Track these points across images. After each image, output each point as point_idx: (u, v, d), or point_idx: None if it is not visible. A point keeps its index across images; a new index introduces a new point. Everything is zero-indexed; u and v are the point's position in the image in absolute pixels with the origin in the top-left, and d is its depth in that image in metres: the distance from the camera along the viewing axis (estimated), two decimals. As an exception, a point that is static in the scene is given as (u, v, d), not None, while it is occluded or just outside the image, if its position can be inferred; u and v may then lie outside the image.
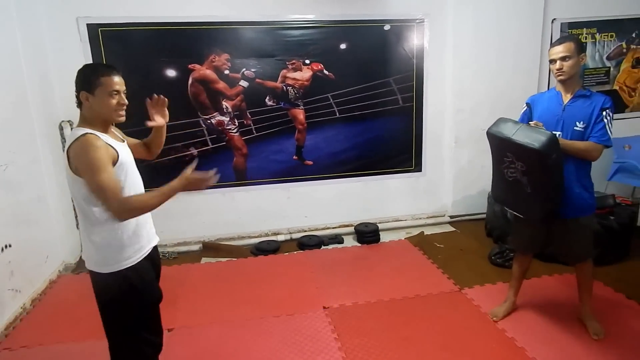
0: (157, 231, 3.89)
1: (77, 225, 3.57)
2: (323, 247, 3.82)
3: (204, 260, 3.59)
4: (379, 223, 4.05)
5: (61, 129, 3.40)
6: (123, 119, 1.66)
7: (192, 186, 1.62)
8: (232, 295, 2.97)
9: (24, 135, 3.01)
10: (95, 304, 2.81)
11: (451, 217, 4.29)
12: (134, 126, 2.11)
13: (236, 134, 3.80)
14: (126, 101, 1.66)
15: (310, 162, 3.98)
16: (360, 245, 3.84)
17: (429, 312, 2.70)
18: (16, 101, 2.95)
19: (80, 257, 3.56)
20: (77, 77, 1.61)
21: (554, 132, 2.15)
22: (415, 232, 4.05)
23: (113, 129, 1.75)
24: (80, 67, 1.64)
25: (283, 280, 3.18)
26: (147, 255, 1.76)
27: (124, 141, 1.79)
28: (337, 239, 3.93)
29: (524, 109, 2.47)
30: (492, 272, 3.19)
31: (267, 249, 3.73)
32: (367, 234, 3.87)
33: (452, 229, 4.13)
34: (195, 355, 2.35)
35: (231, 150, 3.82)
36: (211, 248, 3.75)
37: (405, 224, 4.21)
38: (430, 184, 4.27)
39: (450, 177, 4.23)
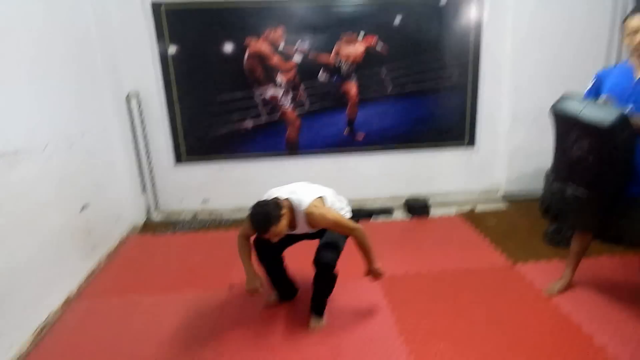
0: (215, 197, 4.10)
1: (143, 190, 3.85)
2: (372, 218, 3.88)
3: (258, 227, 3.75)
4: (430, 197, 4.05)
5: (128, 101, 3.62)
6: None
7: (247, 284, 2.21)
8: (286, 256, 3.09)
9: (97, 106, 3.24)
10: (163, 263, 3.06)
11: (504, 195, 4.20)
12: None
13: (289, 107, 3.88)
14: None
15: (361, 136, 4.01)
16: (409, 218, 3.87)
17: (479, 285, 2.71)
18: (90, 75, 3.17)
19: (146, 220, 3.86)
20: None
21: (624, 109, 2.06)
22: (467, 207, 4.01)
23: None
24: None
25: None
26: None
27: None
28: (387, 211, 3.97)
29: (592, 83, 2.36)
30: (547, 250, 3.14)
31: (317, 219, 3.83)
32: (417, 207, 3.88)
33: (505, 207, 4.06)
34: (254, 307, 2.50)
35: (284, 123, 3.92)
36: (265, 216, 3.91)
37: (456, 200, 4.18)
38: (484, 160, 4.19)
39: (505, 154, 4.13)
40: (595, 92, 2.31)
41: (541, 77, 3.86)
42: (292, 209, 2.11)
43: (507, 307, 2.47)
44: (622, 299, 2.49)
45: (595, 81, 2.34)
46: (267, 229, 1.96)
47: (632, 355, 2.06)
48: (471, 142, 4.13)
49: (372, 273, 2.32)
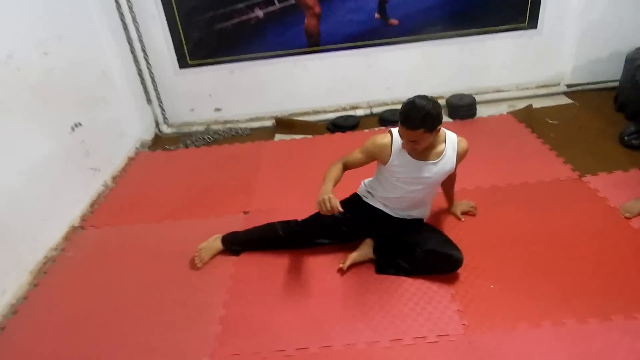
0: (228, 106, 3.66)
1: (148, 101, 3.43)
2: (408, 123, 3.36)
3: (277, 137, 3.34)
4: (476, 95, 3.43)
5: (114, -8, 3.03)
6: None
7: (318, 197, 1.65)
8: (309, 177, 2.71)
9: (74, 2, 2.68)
10: (174, 183, 2.79)
11: (568, 86, 3.50)
12: None
13: (307, -12, 3.17)
14: None
15: (395, 22, 3.30)
16: (452, 120, 3.31)
17: (540, 203, 2.26)
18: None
19: (156, 134, 3.51)
20: None
21: None
22: (521, 105, 3.38)
23: None
24: None
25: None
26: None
27: None
28: (425, 114, 3.41)
29: None
30: (623, 157, 2.58)
31: (344, 125, 3.37)
32: (462, 107, 3.30)
33: (569, 101, 3.39)
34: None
35: (301, 9, 3.24)
36: (284, 124, 3.47)
37: (509, 95, 3.53)
38: (547, 44, 3.42)
39: (575, 35, 3.33)
40: None
41: None
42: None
43: (574, 231, 2.04)
44: None
45: None
46: (417, 124, 1.54)
47: None
48: (533, 22, 3.33)
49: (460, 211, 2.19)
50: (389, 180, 1.82)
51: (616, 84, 3.25)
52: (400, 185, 1.80)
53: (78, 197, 2.53)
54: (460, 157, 1.82)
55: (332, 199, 1.61)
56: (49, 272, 2.13)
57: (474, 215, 2.20)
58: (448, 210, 2.22)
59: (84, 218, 2.50)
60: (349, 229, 1.94)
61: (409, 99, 1.59)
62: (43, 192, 2.23)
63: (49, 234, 2.24)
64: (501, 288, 1.77)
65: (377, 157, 1.79)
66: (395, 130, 1.73)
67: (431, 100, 1.57)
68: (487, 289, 1.77)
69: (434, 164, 1.75)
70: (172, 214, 2.52)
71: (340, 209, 1.62)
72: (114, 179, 2.88)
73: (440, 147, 1.75)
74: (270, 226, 2.05)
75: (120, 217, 2.53)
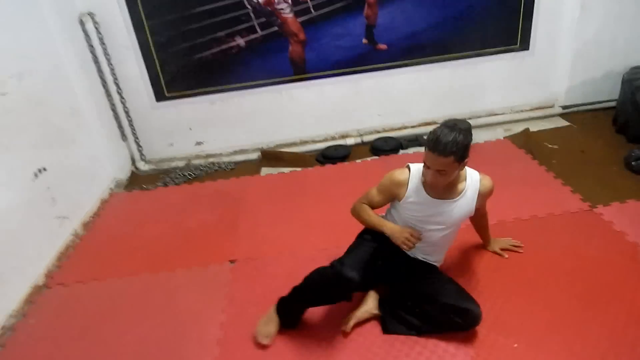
0: (210, 139, 3.44)
1: (123, 137, 3.19)
2: (402, 151, 3.19)
3: (263, 171, 3.13)
4: (470, 119, 3.28)
5: (82, 24, 2.81)
6: None
7: (396, 239, 1.62)
8: (300, 216, 2.52)
9: (38, 36, 2.46)
10: (152, 228, 2.51)
11: (564, 107, 3.39)
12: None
13: (290, 15, 3.01)
14: None
15: (384, 46, 3.16)
16: (447, 148, 3.16)
17: (553, 240, 2.08)
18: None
19: (132, 172, 3.26)
20: None
21: None
22: (516, 128, 3.26)
23: None
24: None
25: (358, 194, 2.65)
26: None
27: None
28: (418, 140, 3.26)
29: None
30: (632, 184, 2.44)
31: (335, 155, 3.18)
32: (456, 134, 3.15)
33: (566, 123, 3.28)
34: (264, 293, 1.94)
35: (285, 37, 3.08)
36: (271, 157, 3.26)
37: (503, 119, 3.41)
38: (540, 65, 3.31)
39: (568, 55, 3.23)
40: None
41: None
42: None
43: (596, 275, 1.85)
44: None
45: None
46: (448, 150, 1.39)
47: None
48: (524, 44, 3.23)
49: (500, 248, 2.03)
50: (402, 218, 1.67)
51: (612, 104, 3.16)
52: (415, 224, 1.64)
53: (43, 251, 2.25)
54: (483, 196, 1.67)
55: (413, 231, 1.60)
56: (6, 345, 1.84)
57: (517, 252, 2.02)
58: (485, 247, 2.06)
59: (49, 275, 2.22)
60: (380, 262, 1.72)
61: (439, 125, 1.45)
62: (2, 250, 1.96)
63: (8, 298, 1.96)
64: (526, 347, 1.57)
65: (394, 193, 1.65)
66: (413, 166, 1.63)
67: (462, 130, 1.42)
68: (511, 349, 1.57)
69: (452, 202, 1.59)
70: (151, 264, 2.26)
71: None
72: (85, 225, 2.62)
73: (460, 186, 1.60)
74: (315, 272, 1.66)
75: (91, 271, 2.26)
